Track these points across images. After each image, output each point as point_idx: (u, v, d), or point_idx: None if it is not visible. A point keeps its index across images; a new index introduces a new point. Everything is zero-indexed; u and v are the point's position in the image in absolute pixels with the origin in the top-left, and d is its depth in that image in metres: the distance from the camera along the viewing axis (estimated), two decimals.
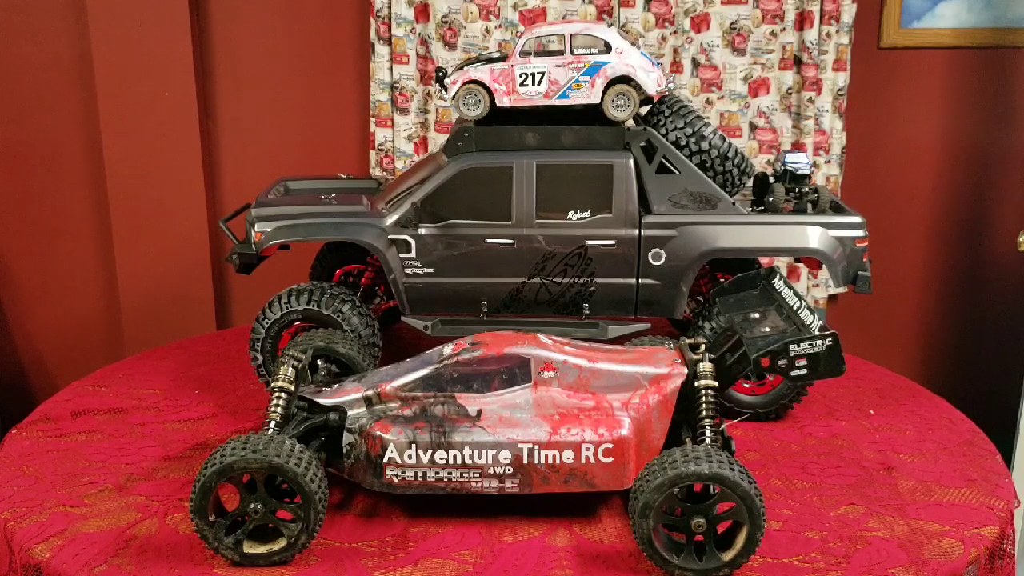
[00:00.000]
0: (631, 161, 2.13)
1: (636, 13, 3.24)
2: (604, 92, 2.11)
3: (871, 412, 2.25)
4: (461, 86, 2.14)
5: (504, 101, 2.14)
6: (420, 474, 1.68)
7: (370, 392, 1.74)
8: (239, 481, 1.57)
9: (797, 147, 3.29)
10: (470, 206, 2.15)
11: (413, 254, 2.17)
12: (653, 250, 2.14)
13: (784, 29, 3.24)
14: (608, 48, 2.12)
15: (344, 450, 1.72)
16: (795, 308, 1.88)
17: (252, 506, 1.57)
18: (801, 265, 3.35)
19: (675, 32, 3.25)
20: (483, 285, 2.18)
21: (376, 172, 3.44)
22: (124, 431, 2.13)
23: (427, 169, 2.22)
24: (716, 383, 1.72)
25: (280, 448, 1.56)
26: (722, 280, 2.25)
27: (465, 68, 2.19)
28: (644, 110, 2.26)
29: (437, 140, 3.38)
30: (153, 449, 2.04)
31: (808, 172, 2.23)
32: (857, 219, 2.15)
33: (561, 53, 2.13)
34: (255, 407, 2.25)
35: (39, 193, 3.62)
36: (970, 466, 1.98)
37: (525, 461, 1.66)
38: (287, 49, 3.49)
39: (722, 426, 1.71)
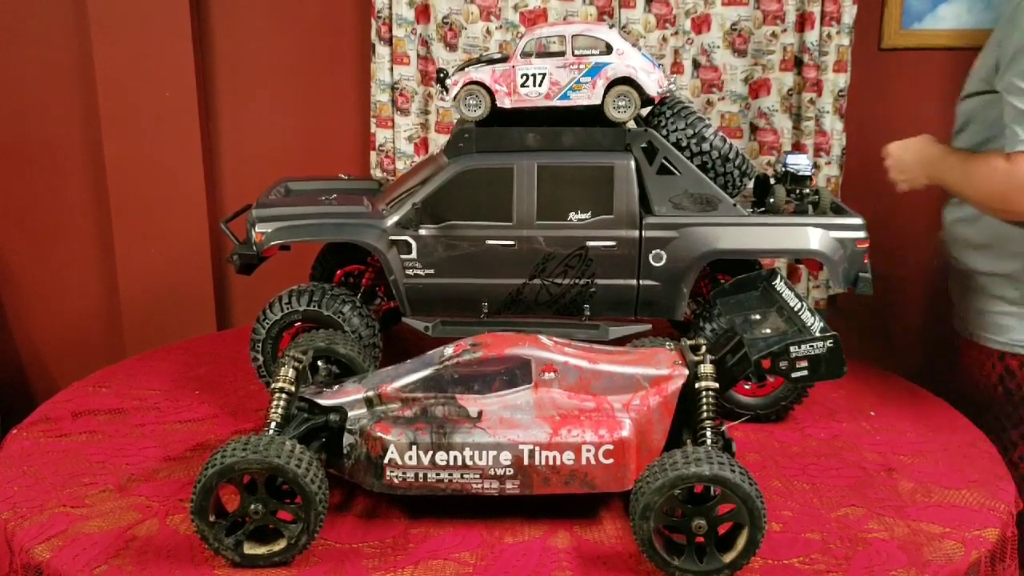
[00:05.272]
0: (632, 162, 2.13)
1: (637, 14, 3.23)
2: (605, 93, 2.12)
3: (872, 414, 2.25)
4: (462, 87, 2.14)
5: (505, 102, 2.14)
6: (421, 475, 1.68)
7: (371, 393, 1.74)
8: (240, 482, 1.57)
9: (798, 148, 3.29)
10: (471, 207, 2.15)
11: (414, 255, 2.17)
12: (654, 251, 2.14)
13: (785, 30, 3.23)
14: (609, 49, 2.12)
15: (344, 451, 1.72)
16: (796, 309, 1.88)
17: (253, 507, 1.57)
18: (802, 266, 3.35)
19: (676, 33, 3.25)
20: (484, 286, 2.18)
21: (377, 173, 3.44)
22: (124, 431, 2.13)
23: (428, 170, 2.22)
24: (717, 384, 1.72)
25: (281, 449, 1.56)
26: (722, 281, 2.25)
27: (466, 69, 2.19)
28: (645, 111, 2.26)
29: (438, 141, 3.38)
30: (153, 449, 2.04)
31: (809, 173, 2.23)
32: (858, 220, 2.15)
33: (562, 54, 2.12)
34: (256, 408, 2.25)
35: (40, 193, 3.61)
36: (971, 468, 1.98)
37: (526, 462, 1.66)
38: (288, 50, 3.49)
39: (723, 427, 1.71)
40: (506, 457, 1.66)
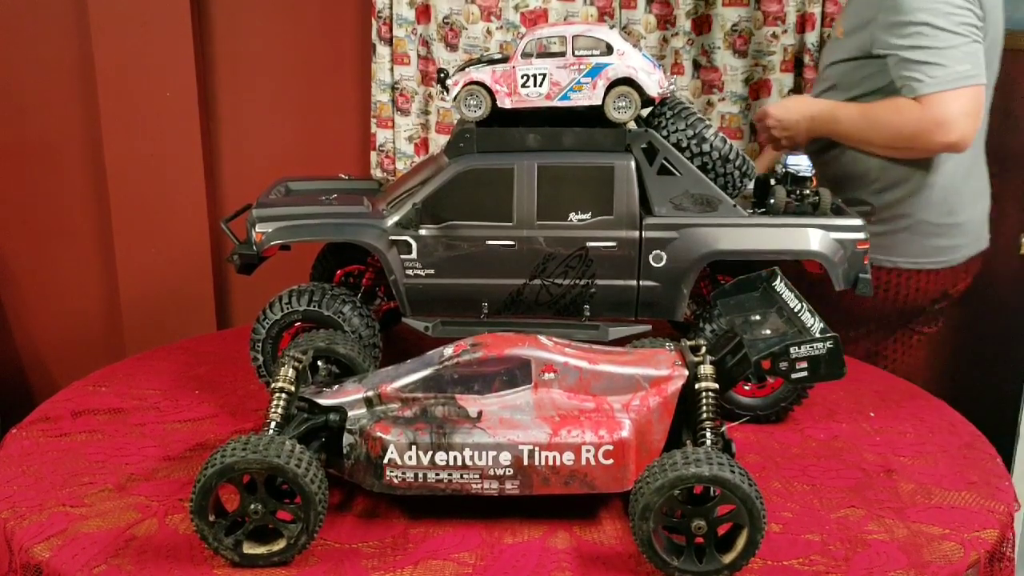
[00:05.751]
0: (632, 163, 2.13)
1: (637, 15, 3.24)
2: (605, 94, 2.11)
3: (871, 415, 2.25)
4: (462, 87, 2.14)
5: (505, 102, 2.14)
6: (420, 475, 1.68)
7: (370, 393, 1.74)
8: (239, 482, 1.57)
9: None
10: (471, 207, 2.15)
11: (414, 255, 2.17)
12: (654, 252, 2.14)
13: (785, 31, 3.24)
14: (610, 50, 2.12)
15: (344, 451, 1.72)
16: (796, 310, 1.88)
17: (252, 507, 1.57)
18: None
19: (676, 34, 3.26)
20: (484, 286, 2.18)
21: (377, 173, 3.44)
22: (124, 431, 2.13)
23: (428, 170, 2.22)
24: (716, 385, 1.72)
25: (280, 449, 1.56)
26: (723, 282, 2.25)
27: (467, 69, 2.19)
28: (645, 112, 2.26)
29: (438, 141, 3.38)
30: (153, 449, 2.04)
31: (809, 175, 2.23)
32: (858, 222, 2.15)
33: (562, 55, 2.12)
34: (255, 408, 2.25)
35: (40, 193, 3.62)
36: (970, 469, 1.98)
37: (525, 463, 1.66)
38: (288, 50, 3.49)
39: (722, 428, 1.71)
40: (506, 457, 1.66)
